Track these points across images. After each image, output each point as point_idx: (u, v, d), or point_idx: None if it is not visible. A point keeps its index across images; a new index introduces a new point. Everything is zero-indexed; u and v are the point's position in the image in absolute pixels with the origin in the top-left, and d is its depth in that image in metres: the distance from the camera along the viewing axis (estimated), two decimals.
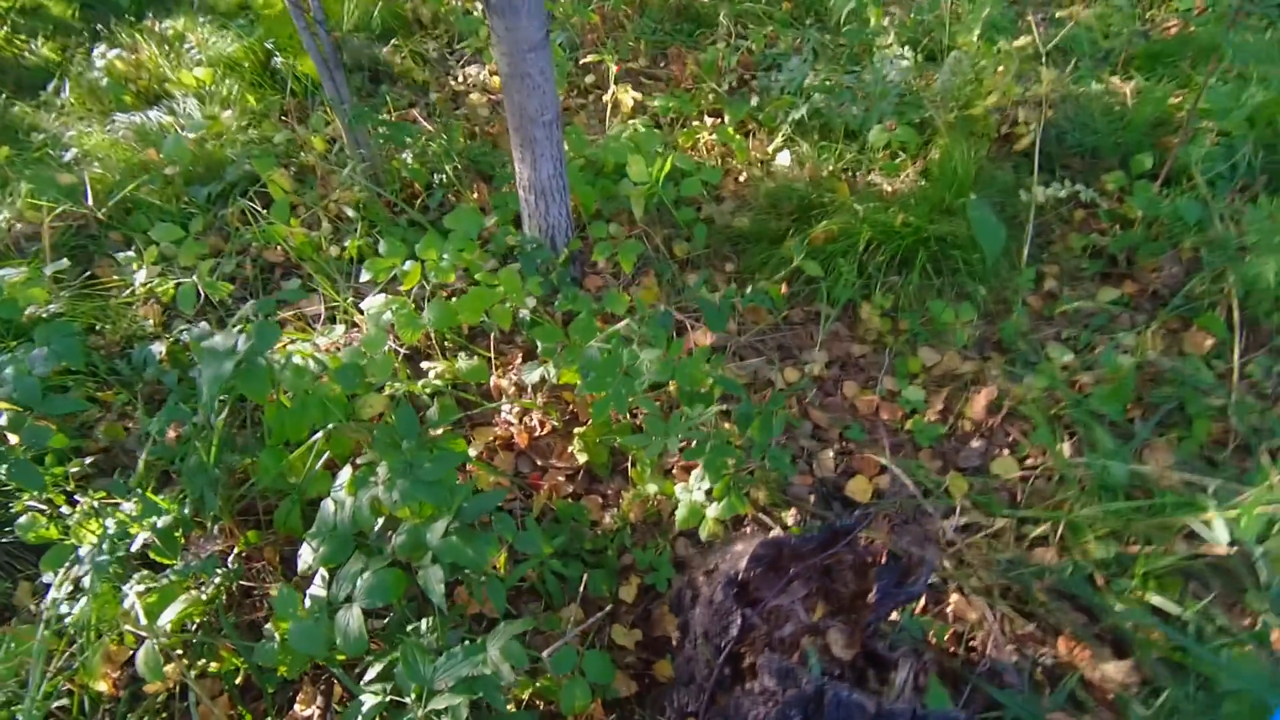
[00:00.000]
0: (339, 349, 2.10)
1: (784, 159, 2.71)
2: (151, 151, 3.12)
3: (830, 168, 2.65)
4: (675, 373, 1.54)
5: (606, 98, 2.91)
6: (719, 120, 2.97)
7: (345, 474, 1.53)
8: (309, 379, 1.74)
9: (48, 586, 1.67)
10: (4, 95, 3.70)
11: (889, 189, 2.57)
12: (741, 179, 2.74)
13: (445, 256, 2.07)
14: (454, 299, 2.29)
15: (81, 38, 4.22)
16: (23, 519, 1.65)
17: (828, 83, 2.87)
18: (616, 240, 2.41)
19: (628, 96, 2.80)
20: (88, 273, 2.56)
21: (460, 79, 3.67)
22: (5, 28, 4.24)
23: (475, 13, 3.94)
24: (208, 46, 3.64)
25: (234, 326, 2.20)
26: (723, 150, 2.81)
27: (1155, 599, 1.51)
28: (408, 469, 1.46)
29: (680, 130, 2.86)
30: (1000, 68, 2.74)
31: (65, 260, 2.23)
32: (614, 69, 2.86)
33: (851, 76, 2.91)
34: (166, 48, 3.92)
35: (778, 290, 2.15)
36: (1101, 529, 1.67)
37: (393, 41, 3.80)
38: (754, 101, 2.91)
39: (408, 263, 2.11)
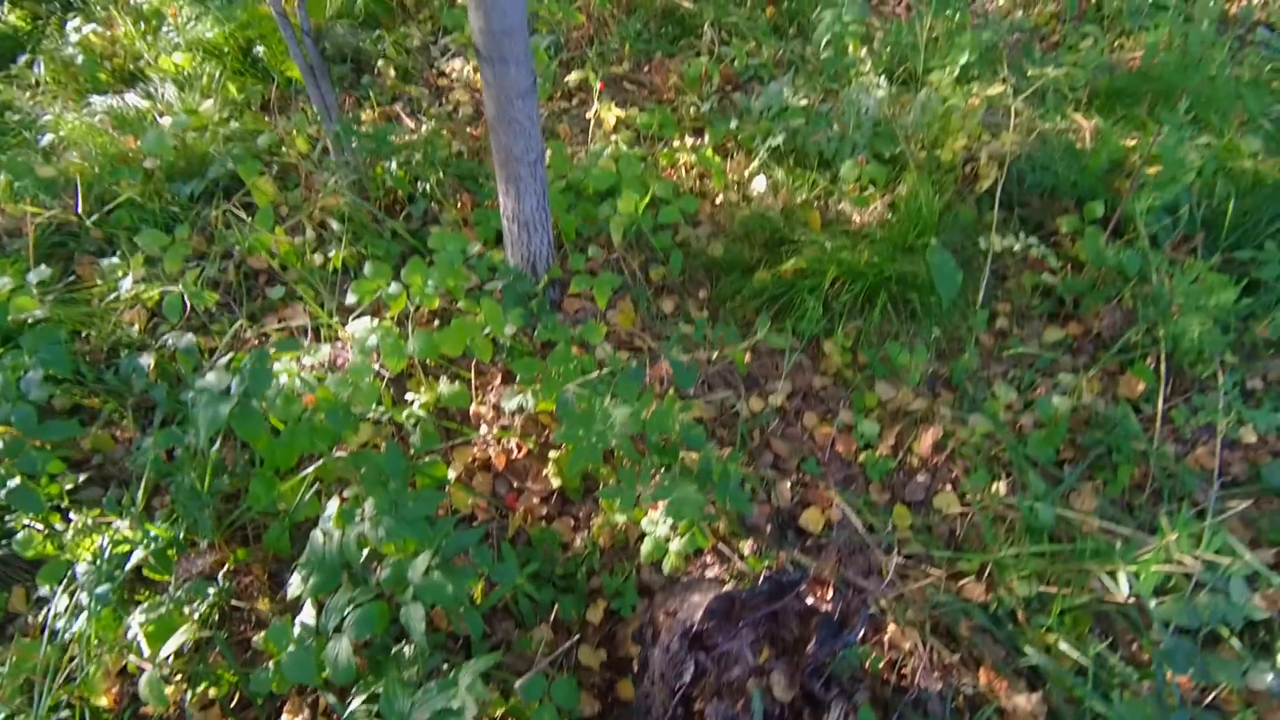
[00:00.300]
0: (326, 367, 2.18)
1: (759, 184, 2.80)
2: (130, 140, 3.11)
3: (803, 196, 2.76)
4: (646, 425, 1.66)
5: (589, 115, 2.96)
6: (699, 139, 3.04)
7: (333, 505, 1.64)
8: (298, 407, 1.83)
9: (42, 596, 1.77)
10: None
11: (858, 220, 2.68)
12: (718, 202, 2.83)
13: (430, 283, 2.15)
14: (438, 322, 2.39)
15: (53, 6, 4.11)
16: (20, 535, 1.73)
17: (805, 104, 2.96)
18: (595, 265, 2.50)
19: (610, 114, 2.85)
20: (70, 273, 2.58)
21: (445, 72, 3.67)
22: None
23: (460, 2, 3.92)
24: (186, 29, 3.58)
25: (223, 353, 2.27)
26: (701, 171, 2.89)
27: (1063, 643, 1.69)
28: (392, 507, 1.57)
29: (661, 149, 2.93)
30: (972, 101, 2.85)
31: (48, 269, 2.27)
32: (598, 86, 2.90)
33: (828, 104, 3.00)
34: (142, 24, 3.84)
35: (741, 356, 2.27)
36: (1026, 569, 1.84)
37: (376, 31, 3.77)
38: (733, 123, 2.98)
39: (393, 285, 2.19)
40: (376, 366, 2.14)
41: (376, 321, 2.13)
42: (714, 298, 2.53)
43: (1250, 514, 2.00)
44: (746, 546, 1.96)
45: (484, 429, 2.17)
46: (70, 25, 3.71)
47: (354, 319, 2.21)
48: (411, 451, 2.02)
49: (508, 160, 2.01)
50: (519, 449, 2.16)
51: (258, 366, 1.54)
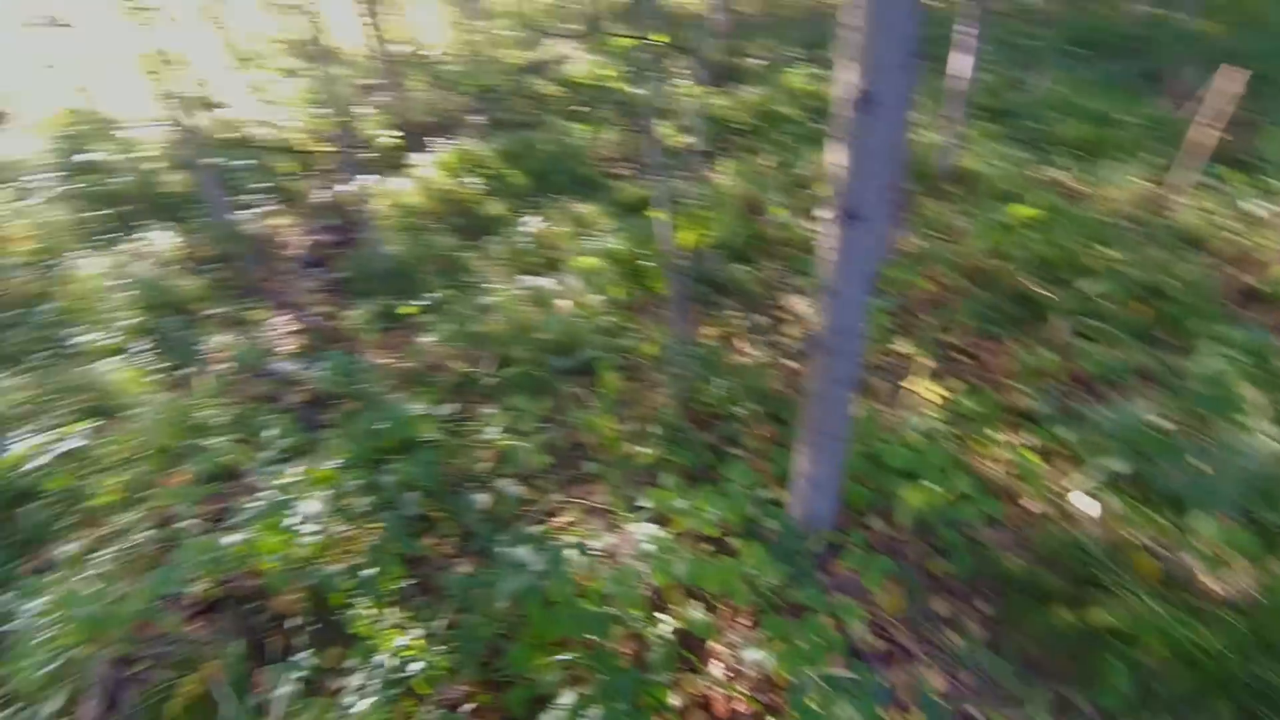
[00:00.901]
0: (607, 555, 2.46)
1: (1084, 505, 2.53)
2: (535, 313, 4.00)
3: (1138, 537, 2.41)
4: None
5: (908, 383, 3.03)
6: (1019, 433, 2.89)
7: (568, 698, 1.81)
8: (571, 590, 2.11)
9: (348, 667, 2.19)
10: (460, 236, 5.05)
11: (1210, 590, 2.25)
12: (1026, 505, 2.62)
13: (713, 511, 2.35)
14: (710, 547, 2.55)
15: (525, 203, 5.58)
16: (351, 612, 2.22)
17: (1165, 429, 2.65)
18: (874, 541, 2.47)
19: (929, 391, 2.89)
20: (461, 406, 3.35)
21: (784, 306, 4.08)
22: (477, 180, 5.79)
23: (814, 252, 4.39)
24: (600, 238, 4.58)
25: (537, 513, 2.70)
26: (1015, 470, 2.72)
27: None
28: None
29: (976, 434, 2.85)
30: None
31: (455, 406, 2.99)
32: (928, 364, 2.98)
33: (1196, 438, 2.64)
34: (574, 227, 5.01)
35: None
36: None
37: (740, 262, 4.39)
38: (1068, 429, 2.79)
39: (681, 502, 2.43)
40: (644, 572, 2.35)
41: (659, 530, 2.38)
42: (998, 618, 2.29)
43: None
44: None
45: (717, 668, 2.21)
46: (525, 220, 5.01)
47: (640, 520, 2.49)
48: (646, 667, 2.14)
49: (814, 429, 2.17)
50: (744, 703, 2.14)
51: (555, 560, 1.83)
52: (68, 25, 8.49)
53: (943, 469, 2.51)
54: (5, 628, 2.13)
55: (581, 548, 2.11)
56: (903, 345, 3.43)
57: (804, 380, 2.23)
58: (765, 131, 6.63)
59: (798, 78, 7.35)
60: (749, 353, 3.67)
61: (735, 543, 2.36)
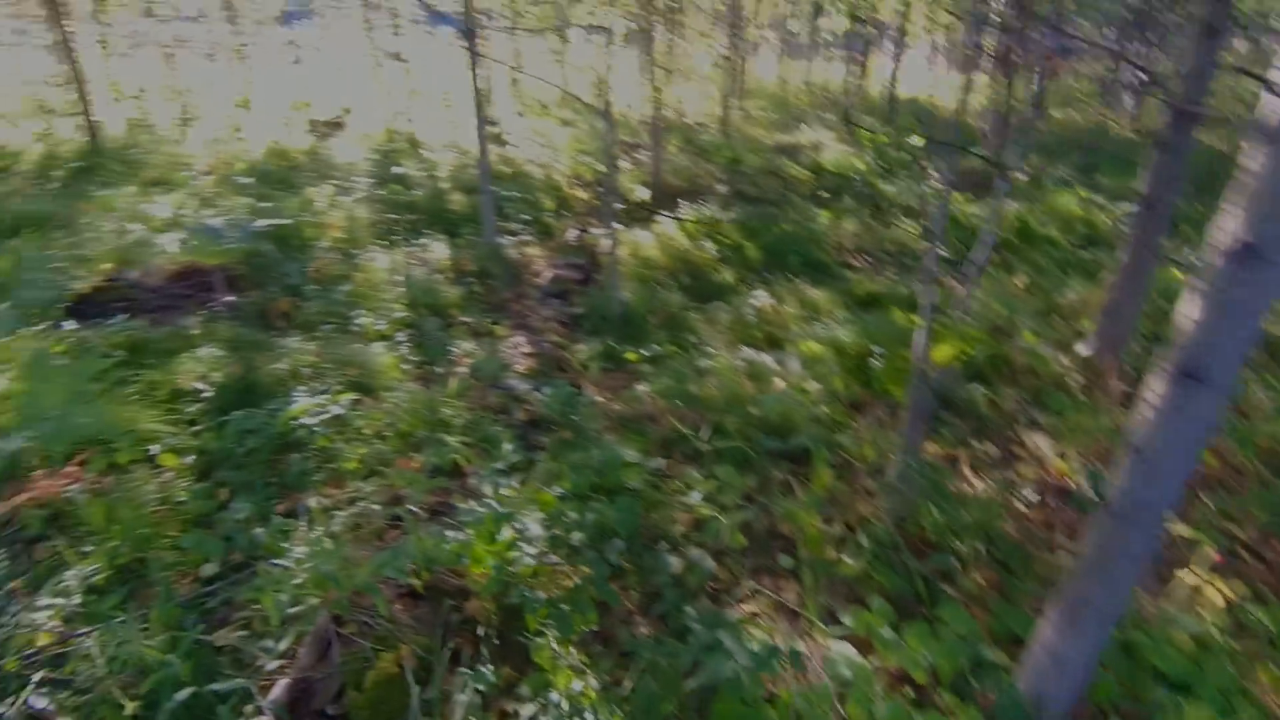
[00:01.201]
0: (796, 663, 2.31)
1: None
2: (750, 386, 3.97)
3: None
4: None
5: (1183, 576, 2.56)
6: None
7: None
8: (761, 692, 1.98)
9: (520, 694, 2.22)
10: (689, 296, 5.20)
11: None
12: None
13: (925, 656, 2.11)
14: (907, 692, 2.29)
15: (753, 276, 5.64)
16: (540, 640, 2.26)
17: None
18: None
19: (1214, 592, 2.42)
20: (666, 460, 3.37)
21: (1022, 443, 3.69)
22: (713, 247, 5.95)
23: (1066, 390, 3.95)
24: (830, 326, 4.47)
25: (729, 596, 2.61)
26: None
27: None
28: None
29: (1268, 663, 2.32)
30: None
31: (662, 461, 3.02)
32: (1214, 556, 2.51)
33: None
34: (802, 310, 4.96)
35: None
36: None
37: (978, 385, 4.06)
38: None
39: (888, 631, 2.22)
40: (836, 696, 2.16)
41: (855, 654, 2.18)
42: None
43: None
44: None
45: None
46: (751, 291, 5.04)
47: (836, 636, 2.30)
48: None
49: (1079, 599, 1.88)
50: None
51: (764, 660, 1.73)
52: (405, 60, 10.17)
53: (1224, 692, 2.06)
54: (270, 561, 2.44)
55: (796, 657, 1.98)
56: (1176, 526, 2.93)
57: (1078, 542, 1.96)
58: (1021, 250, 6.20)
59: (1068, 199, 6.84)
60: (974, 484, 3.34)
61: (945, 698, 2.09)
